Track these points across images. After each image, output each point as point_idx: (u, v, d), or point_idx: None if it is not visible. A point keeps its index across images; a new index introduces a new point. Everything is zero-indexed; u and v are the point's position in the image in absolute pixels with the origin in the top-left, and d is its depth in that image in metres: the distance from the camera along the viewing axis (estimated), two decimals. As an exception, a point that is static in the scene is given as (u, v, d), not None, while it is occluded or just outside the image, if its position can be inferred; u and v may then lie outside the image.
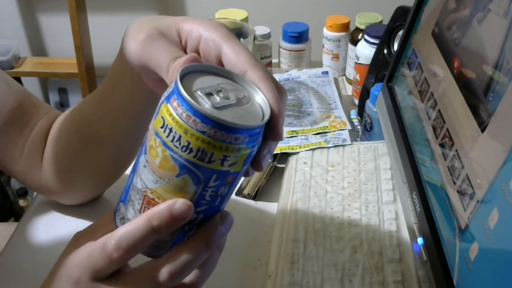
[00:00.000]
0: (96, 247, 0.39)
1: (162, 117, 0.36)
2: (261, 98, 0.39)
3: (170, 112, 0.35)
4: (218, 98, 0.36)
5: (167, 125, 0.35)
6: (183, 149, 0.35)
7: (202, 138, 0.35)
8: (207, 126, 0.34)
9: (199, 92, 0.36)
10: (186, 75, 0.37)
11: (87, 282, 0.39)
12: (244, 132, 0.36)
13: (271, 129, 0.38)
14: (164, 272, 0.39)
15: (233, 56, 0.41)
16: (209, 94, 0.36)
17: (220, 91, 0.37)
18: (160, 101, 0.37)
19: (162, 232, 0.38)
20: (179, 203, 0.37)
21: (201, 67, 0.39)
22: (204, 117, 0.34)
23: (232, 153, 0.36)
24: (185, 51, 0.45)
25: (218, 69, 0.40)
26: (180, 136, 0.35)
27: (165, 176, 0.37)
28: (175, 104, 0.35)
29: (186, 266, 0.39)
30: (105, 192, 0.72)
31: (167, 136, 0.36)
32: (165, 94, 0.37)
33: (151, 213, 0.38)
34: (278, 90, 0.40)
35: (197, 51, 0.44)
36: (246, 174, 0.40)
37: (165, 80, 0.43)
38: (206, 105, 0.36)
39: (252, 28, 0.88)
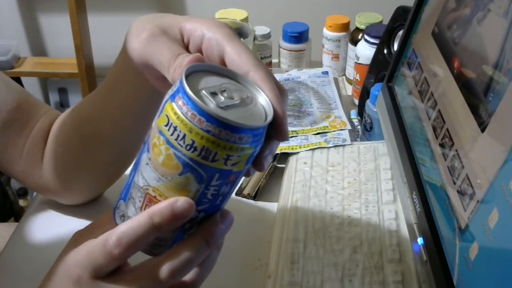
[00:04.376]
0: (97, 244, 0.39)
1: (166, 115, 0.36)
2: (263, 99, 0.39)
3: (175, 111, 0.35)
4: (222, 98, 0.37)
5: (171, 124, 0.36)
6: (187, 147, 0.35)
7: (206, 137, 0.35)
8: (212, 125, 0.35)
9: (204, 92, 0.36)
10: (191, 75, 0.38)
11: (87, 280, 0.39)
12: (248, 132, 0.36)
13: (277, 130, 0.39)
14: (164, 269, 0.39)
15: (236, 57, 0.41)
16: (213, 94, 0.37)
17: (224, 91, 0.37)
18: (164, 99, 0.37)
19: (163, 230, 0.38)
20: (181, 201, 0.37)
21: (205, 67, 0.39)
22: (209, 116, 0.35)
23: (235, 153, 0.36)
24: (187, 49, 0.45)
25: (222, 69, 0.40)
26: (184, 135, 0.35)
27: (168, 174, 0.37)
28: (180, 102, 0.35)
29: (187, 264, 0.39)
30: (105, 192, 0.72)
31: (171, 135, 0.36)
32: (170, 92, 0.37)
33: (153, 211, 0.38)
34: (279, 90, 0.40)
35: (199, 50, 0.44)
36: (247, 174, 0.40)
37: (167, 78, 0.43)
38: (211, 104, 0.36)
39: (252, 28, 0.88)
